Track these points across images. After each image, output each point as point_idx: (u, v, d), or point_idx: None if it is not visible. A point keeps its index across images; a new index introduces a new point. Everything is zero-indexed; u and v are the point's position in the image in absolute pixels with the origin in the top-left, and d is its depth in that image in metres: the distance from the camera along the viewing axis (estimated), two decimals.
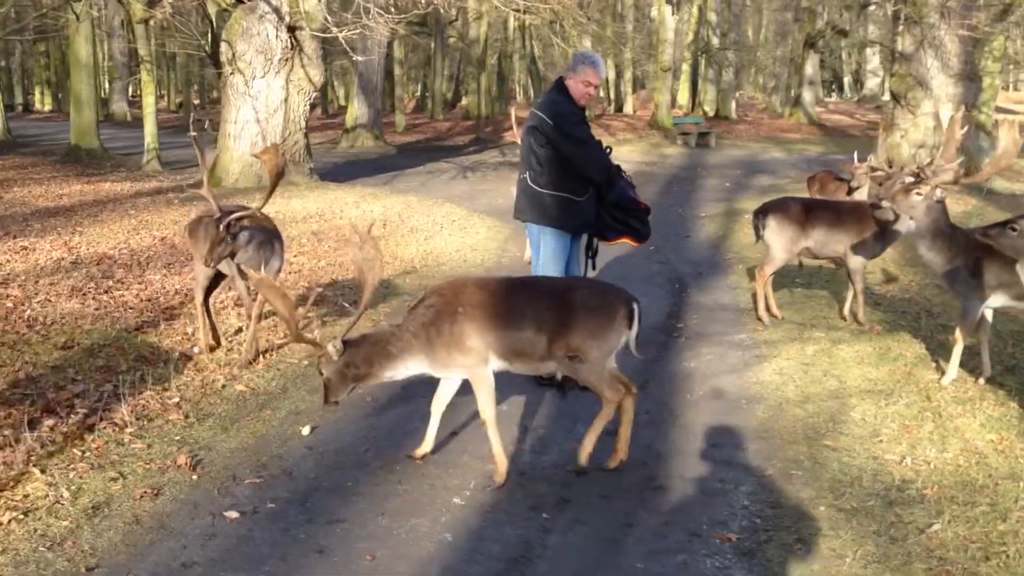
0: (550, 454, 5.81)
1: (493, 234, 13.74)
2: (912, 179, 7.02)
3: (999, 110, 23.86)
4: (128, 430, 5.89)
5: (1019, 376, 7.05)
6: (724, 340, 8.34)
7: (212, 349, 7.57)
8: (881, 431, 6.05)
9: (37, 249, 11.77)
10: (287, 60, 18.11)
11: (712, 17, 43.36)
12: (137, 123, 43.49)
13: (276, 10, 17.66)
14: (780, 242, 8.68)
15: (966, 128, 7.83)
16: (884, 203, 7.08)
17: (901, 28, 22.55)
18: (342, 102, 51.11)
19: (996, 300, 6.72)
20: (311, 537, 4.68)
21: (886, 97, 62.69)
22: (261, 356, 7.45)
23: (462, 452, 5.81)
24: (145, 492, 5.06)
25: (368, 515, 4.93)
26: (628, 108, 48.54)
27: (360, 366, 5.34)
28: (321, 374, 5.42)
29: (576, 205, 6.96)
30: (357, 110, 29.73)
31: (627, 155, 27.67)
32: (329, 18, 17.26)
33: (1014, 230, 5.69)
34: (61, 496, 4.96)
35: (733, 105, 44.92)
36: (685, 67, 46.03)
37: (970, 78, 21.60)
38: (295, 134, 18.79)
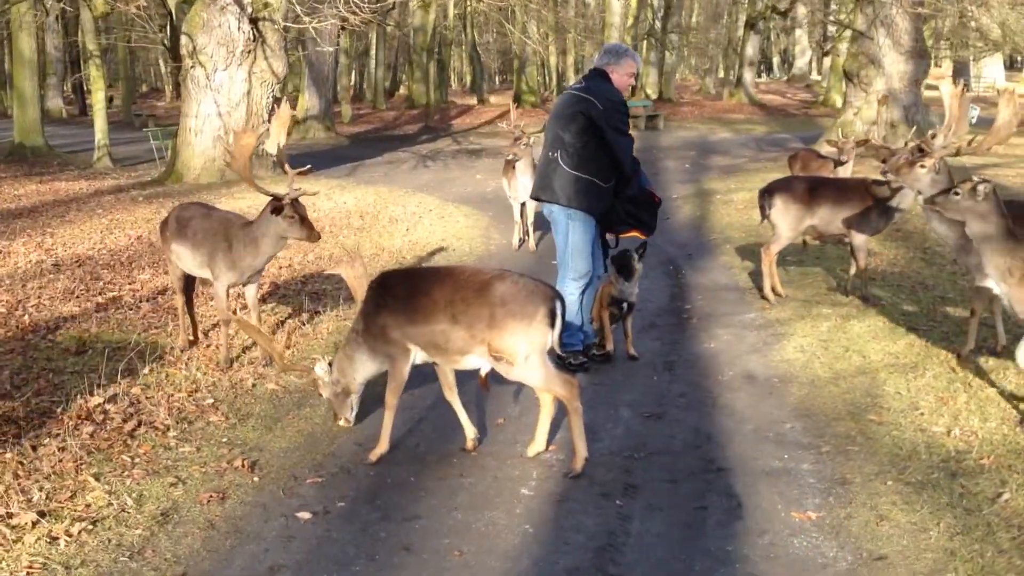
0: (602, 440, 5.80)
1: (473, 222, 13.69)
2: (917, 153, 7.01)
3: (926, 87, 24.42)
4: (171, 433, 5.76)
5: None
6: (735, 320, 8.40)
7: (190, 344, 7.50)
8: (919, 404, 6.13)
9: (12, 252, 11.46)
10: (249, 52, 17.83)
11: (653, 0, 43.58)
12: (74, 120, 42.76)
13: (238, 2, 17.34)
14: (786, 221, 8.76)
15: (967, 99, 7.97)
16: (889, 176, 7.07)
17: (853, 8, 22.81)
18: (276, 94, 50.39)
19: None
20: (392, 535, 4.62)
21: (815, 76, 63.92)
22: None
23: (514, 443, 5.78)
24: (211, 496, 4.96)
25: (441, 510, 4.88)
26: None
27: (340, 379, 5.63)
28: (321, 396, 5.74)
29: (602, 191, 6.98)
30: (308, 101, 29.37)
31: None
32: (296, 7, 16.96)
33: (956, 194, 5.88)
34: (125, 504, 4.83)
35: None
36: None
37: (920, 55, 21.99)
38: (258, 127, 18.46)
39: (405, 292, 5.44)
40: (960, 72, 46.78)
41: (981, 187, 5.79)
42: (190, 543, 4.51)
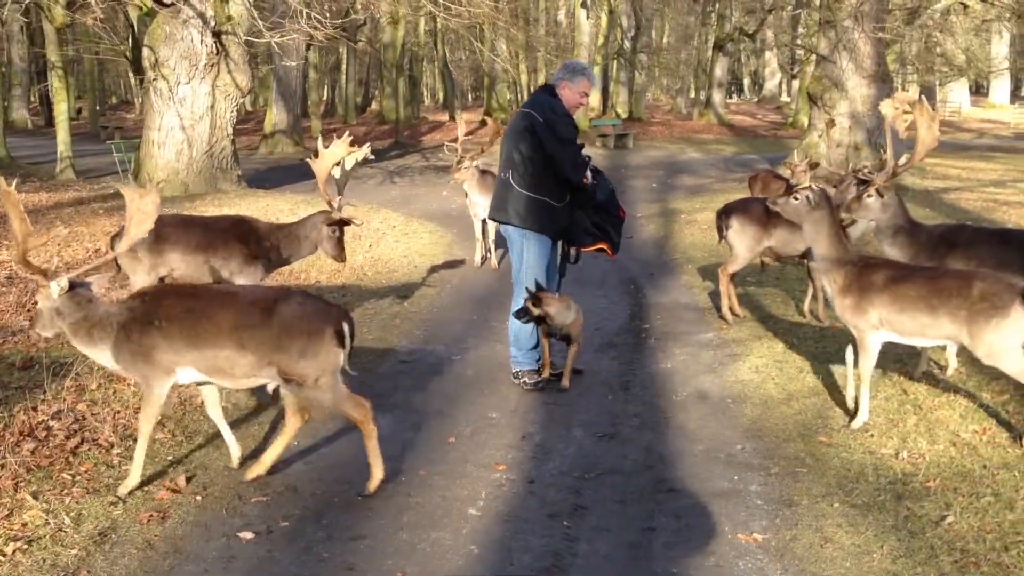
0: (553, 461, 5.77)
1: (436, 239, 13.66)
2: (858, 184, 7.33)
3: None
4: (115, 451, 5.67)
5: (982, 369, 7.20)
6: (693, 340, 8.42)
7: None
8: (870, 425, 6.14)
9: None
10: (213, 65, 17.72)
11: (624, 21, 43.73)
12: (40, 131, 42.31)
13: (201, 15, 17.26)
14: (744, 242, 8.79)
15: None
16: (844, 216, 7.15)
17: (816, 31, 23.01)
18: (249, 107, 50.27)
19: None
20: (336, 555, 4.56)
21: (785, 98, 64.53)
22: None
23: (464, 461, 5.74)
24: (151, 516, 4.87)
25: (388, 530, 4.83)
26: None
27: (67, 319, 5.12)
28: (35, 303, 5.41)
29: (555, 211, 6.94)
30: (276, 115, 29.27)
31: None
32: (259, 22, 16.89)
33: (796, 198, 6.31)
34: (63, 523, 4.74)
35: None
36: (596, 70, 46.42)
37: (882, 79, 22.24)
38: (222, 141, 18.40)
39: (183, 313, 5.11)
40: (927, 96, 47.33)
41: (812, 195, 6.20)
42: (127, 563, 4.43)
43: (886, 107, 7.63)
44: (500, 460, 5.75)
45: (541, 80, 51.38)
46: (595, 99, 47.75)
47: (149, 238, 7.22)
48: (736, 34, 42.57)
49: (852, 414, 6.27)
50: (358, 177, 22.60)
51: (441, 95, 66.02)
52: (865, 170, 8.34)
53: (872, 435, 6.00)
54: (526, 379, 7.10)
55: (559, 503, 5.17)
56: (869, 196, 7.00)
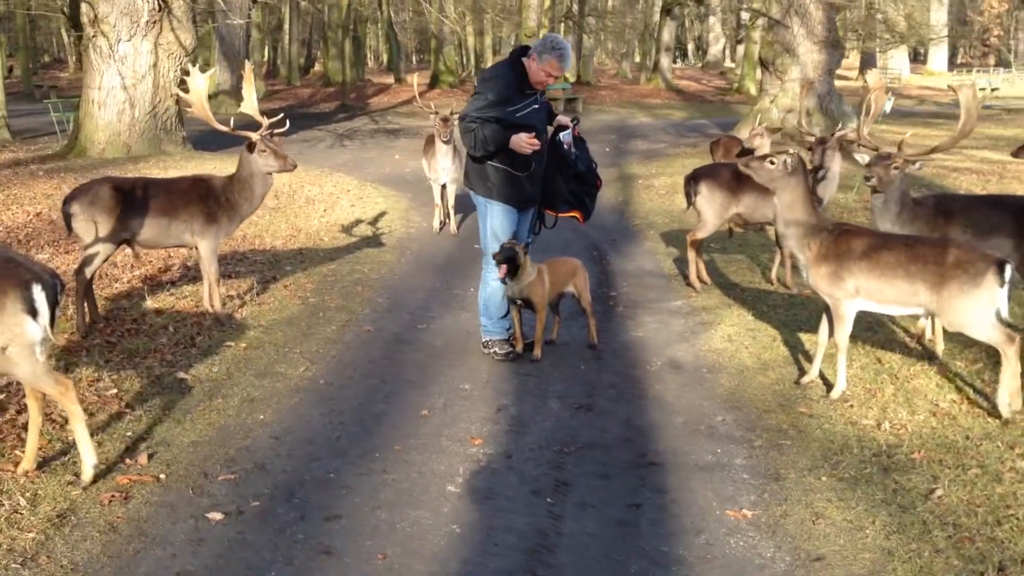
0: (531, 434, 5.59)
1: (392, 204, 13.35)
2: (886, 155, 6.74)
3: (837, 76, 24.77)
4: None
5: (953, 338, 7.14)
6: (662, 308, 8.28)
7: (90, 328, 7.09)
8: (849, 396, 6.05)
9: None
10: (155, 23, 17.11)
11: None
12: None
13: None
14: (712, 208, 8.66)
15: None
16: (873, 183, 6.67)
17: None
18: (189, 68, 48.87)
19: None
20: (311, 536, 4.34)
21: (728, 63, 64.70)
22: (194, 342, 6.95)
23: (439, 435, 5.53)
24: (112, 496, 4.61)
25: (363, 509, 4.62)
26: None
27: None
28: None
29: (518, 180, 6.68)
30: (219, 76, 28.55)
31: None
32: None
33: (772, 163, 6.15)
34: (18, 504, 4.46)
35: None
36: (542, 33, 46.01)
37: (833, 45, 22.26)
38: (166, 101, 17.80)
39: None
40: (868, 63, 47.70)
41: (789, 160, 6.06)
42: (89, 547, 4.16)
43: (872, 77, 7.52)
44: (476, 434, 5.56)
45: (488, 43, 51.10)
46: None
47: (108, 201, 6.96)
48: None
49: (829, 384, 6.17)
50: (307, 140, 22.28)
51: (385, 57, 65.17)
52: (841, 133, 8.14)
53: (852, 405, 5.91)
54: (496, 349, 6.90)
55: (540, 479, 5.00)
56: (896, 168, 6.58)
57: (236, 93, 28.73)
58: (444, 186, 11.32)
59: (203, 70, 7.71)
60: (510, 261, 6.59)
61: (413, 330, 7.59)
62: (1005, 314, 5.62)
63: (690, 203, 8.86)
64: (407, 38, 62.34)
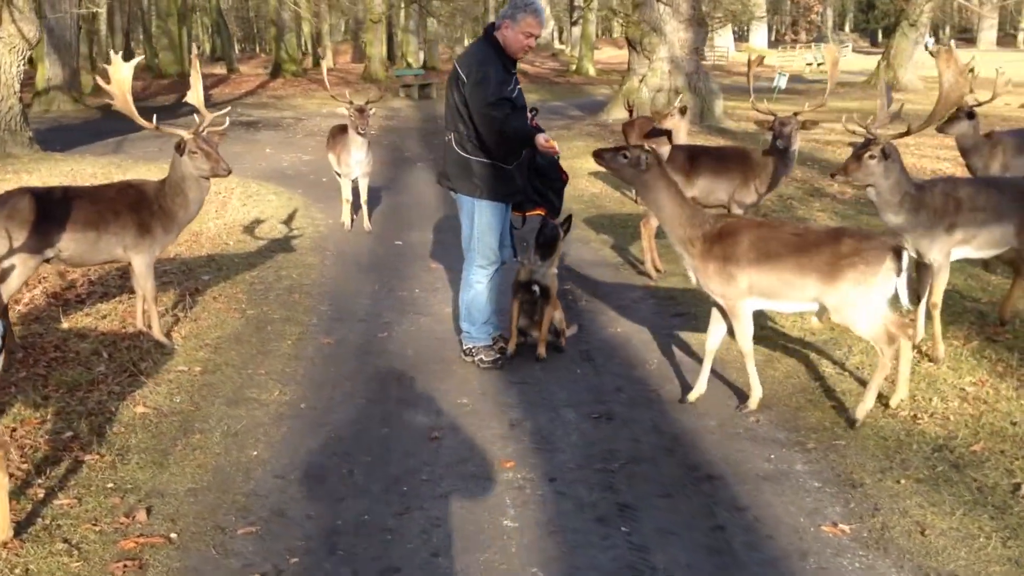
0: (562, 452, 5.06)
1: (285, 201, 12.43)
2: (860, 144, 6.02)
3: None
4: (37, 481, 4.53)
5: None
6: (625, 299, 7.88)
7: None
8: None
9: None
10: None
11: None
12: None
13: None
14: None
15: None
16: (838, 179, 6.19)
17: None
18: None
19: (959, 253, 6.26)
20: None
21: (558, 45, 65.32)
22: (138, 368, 6.10)
23: (463, 460, 4.95)
24: (124, 567, 3.85)
25: (421, 556, 4.01)
26: (329, 62, 46.98)
27: None
28: None
29: (506, 173, 6.15)
30: (50, 70, 26.41)
31: None
32: None
33: (625, 157, 5.55)
34: None
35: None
36: (403, 15, 45.03)
37: (699, 23, 22.38)
38: (9, 99, 16.22)
39: None
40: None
41: (644, 156, 5.48)
42: None
43: (830, 53, 7.23)
44: (502, 455, 4.99)
45: (325, 29, 49.74)
46: (383, 50, 46.61)
47: (27, 214, 6.06)
48: None
49: (824, 382, 5.89)
50: (160, 136, 20.78)
51: (208, 47, 62.71)
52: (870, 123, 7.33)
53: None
54: (482, 356, 6.33)
55: (599, 504, 4.49)
56: (872, 157, 5.81)
57: (70, 89, 26.90)
58: (355, 180, 10.59)
59: (32, 63, 6.72)
60: (553, 241, 6.29)
61: (375, 340, 6.93)
62: (905, 303, 5.29)
63: None
64: (237, 27, 60.04)
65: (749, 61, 8.51)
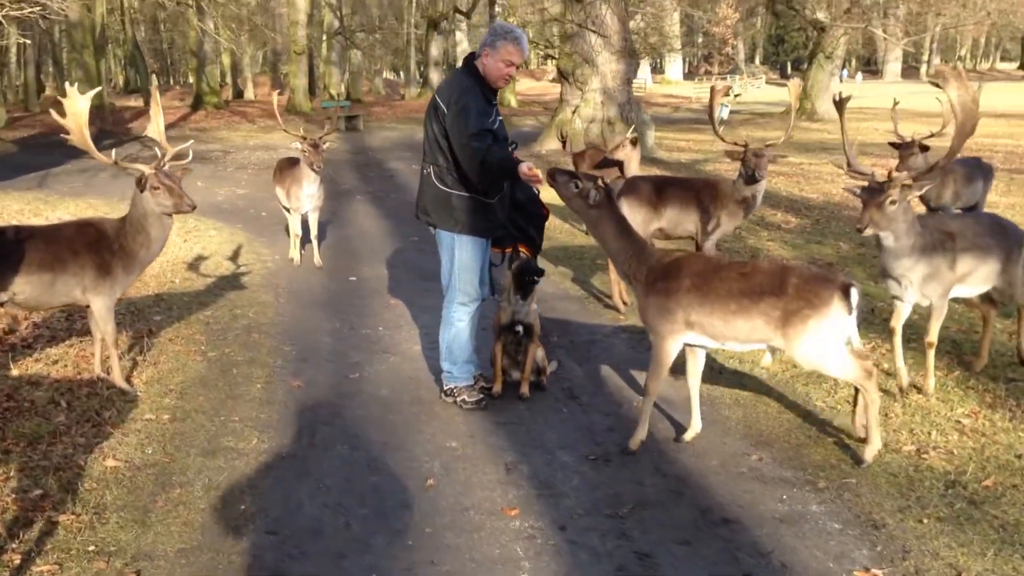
0: (567, 497, 4.83)
1: (228, 236, 12.03)
2: (876, 187, 5.63)
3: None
4: (11, 546, 4.16)
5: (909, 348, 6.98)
6: (596, 333, 7.71)
7: None
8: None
9: None
10: None
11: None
12: None
13: None
14: (635, 224, 8.12)
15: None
16: (868, 232, 5.63)
17: (563, 7, 22.80)
18: None
19: (957, 291, 6.08)
20: None
21: None
22: (102, 418, 5.72)
23: (464, 509, 4.69)
24: None
25: None
26: (249, 94, 46.39)
27: None
28: None
29: (488, 208, 5.94)
30: None
31: (282, 142, 26.25)
32: None
33: (576, 186, 5.37)
34: None
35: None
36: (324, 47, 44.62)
37: (630, 54, 22.51)
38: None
39: None
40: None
41: (594, 193, 5.33)
42: None
43: (794, 87, 7.18)
44: (504, 503, 4.76)
45: (247, 62, 49.10)
46: (304, 82, 46.10)
47: None
48: (451, 13, 42.13)
49: (810, 419, 5.77)
50: (85, 171, 20.24)
51: (121, 79, 61.49)
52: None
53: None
54: (465, 397, 6.09)
55: (616, 553, 4.27)
56: (893, 202, 5.49)
57: None
58: (305, 215, 10.29)
59: None
60: (534, 279, 6.18)
61: (346, 381, 6.63)
62: (857, 343, 5.10)
63: None
64: (151, 59, 58.95)
65: (712, 91, 8.42)
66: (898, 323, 6.11)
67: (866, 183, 5.72)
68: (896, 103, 10.30)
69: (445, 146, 5.79)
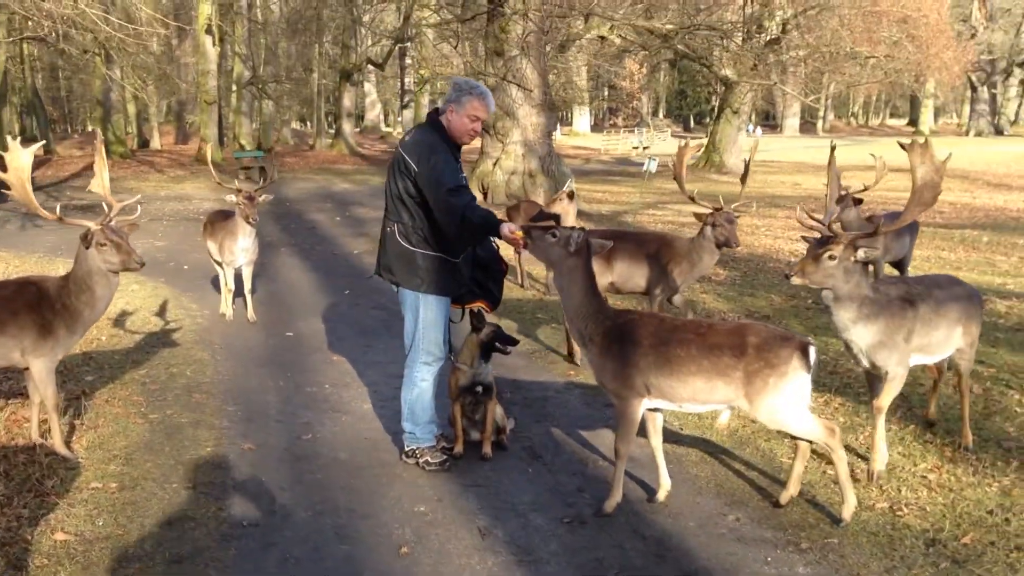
0: (548, 564, 4.67)
1: (151, 291, 11.59)
2: (817, 241, 5.51)
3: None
4: None
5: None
6: (550, 389, 7.61)
7: None
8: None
9: None
10: None
11: (242, 49, 41.66)
12: None
13: None
14: None
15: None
16: (795, 280, 5.40)
17: (485, 60, 22.91)
18: None
19: (919, 359, 5.85)
20: None
21: (385, 128, 65.69)
22: (43, 487, 5.38)
23: (464, 572, 4.51)
24: None
25: None
26: (155, 143, 45.52)
27: None
28: None
29: (452, 266, 5.82)
30: None
31: (195, 192, 25.85)
32: None
33: (553, 236, 5.28)
34: None
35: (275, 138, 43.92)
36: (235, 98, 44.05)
37: (550, 107, 22.71)
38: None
39: None
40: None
41: (574, 236, 5.27)
42: None
43: (754, 142, 7.20)
44: (485, 571, 4.58)
45: (152, 111, 48.16)
46: (215, 131, 45.43)
47: None
48: (363, 64, 42.08)
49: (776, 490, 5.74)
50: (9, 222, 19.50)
51: (17, 128, 59.82)
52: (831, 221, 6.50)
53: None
54: (428, 458, 5.90)
55: None
56: (832, 257, 5.31)
57: None
58: (239, 268, 10.00)
59: None
60: (496, 344, 6.06)
61: (300, 443, 6.38)
62: (807, 403, 4.98)
63: None
64: (52, 108, 57.45)
65: (680, 149, 8.42)
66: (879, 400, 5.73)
67: (819, 235, 5.67)
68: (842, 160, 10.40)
69: (411, 203, 5.66)
